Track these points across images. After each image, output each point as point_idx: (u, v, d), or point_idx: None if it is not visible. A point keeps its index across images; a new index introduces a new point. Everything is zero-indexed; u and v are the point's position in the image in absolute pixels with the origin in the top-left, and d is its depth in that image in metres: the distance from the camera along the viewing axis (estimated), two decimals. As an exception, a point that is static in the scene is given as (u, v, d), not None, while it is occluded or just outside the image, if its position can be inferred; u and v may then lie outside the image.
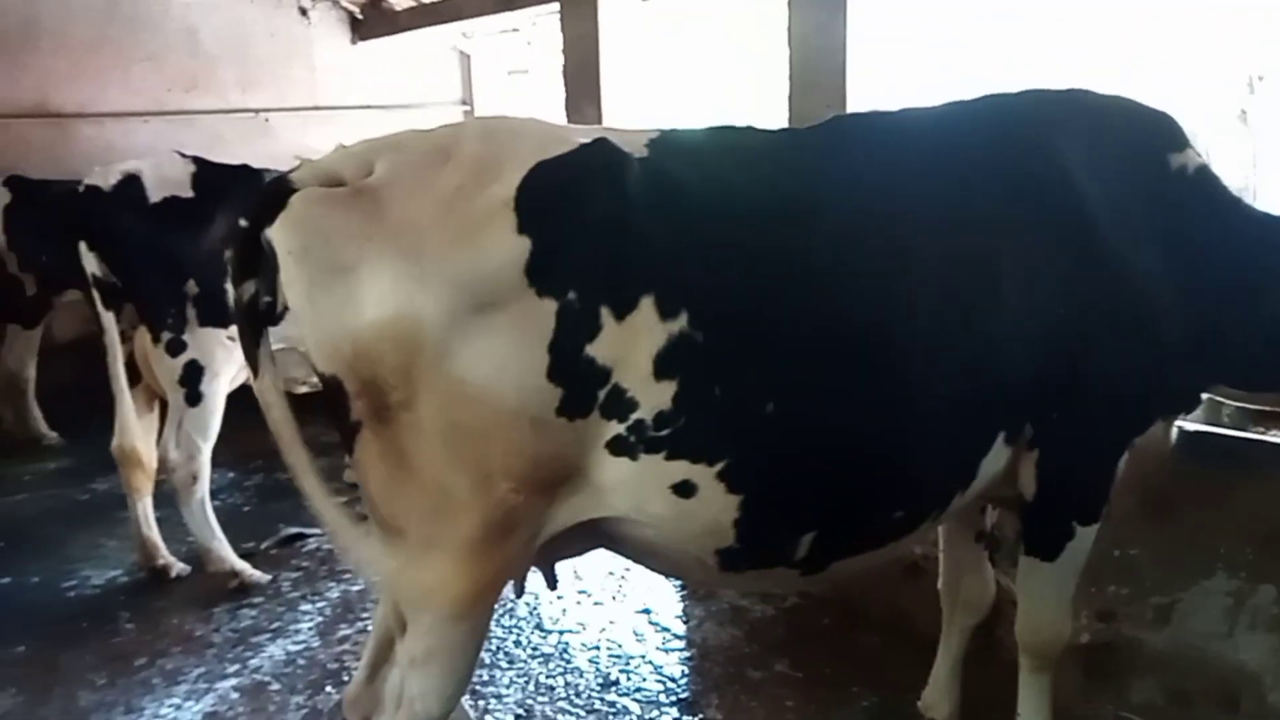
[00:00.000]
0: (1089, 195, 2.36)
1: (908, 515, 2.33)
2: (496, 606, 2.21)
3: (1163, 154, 2.51)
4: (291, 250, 1.95)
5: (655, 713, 3.41)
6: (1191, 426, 2.72)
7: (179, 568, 4.55)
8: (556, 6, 7.01)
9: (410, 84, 9.51)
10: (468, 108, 10.09)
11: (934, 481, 2.34)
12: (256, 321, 2.12)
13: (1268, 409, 2.99)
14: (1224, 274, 2.48)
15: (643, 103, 6.94)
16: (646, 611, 4.14)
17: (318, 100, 8.84)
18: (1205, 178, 2.53)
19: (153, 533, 4.56)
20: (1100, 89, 2.57)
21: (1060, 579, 2.62)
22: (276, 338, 4.57)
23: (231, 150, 7.12)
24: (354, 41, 9.16)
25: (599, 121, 6.46)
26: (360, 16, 9.09)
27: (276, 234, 1.97)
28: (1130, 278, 2.36)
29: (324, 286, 1.93)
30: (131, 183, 4.31)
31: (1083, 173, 2.37)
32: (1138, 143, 2.52)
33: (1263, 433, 3.26)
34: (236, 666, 3.77)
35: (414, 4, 8.90)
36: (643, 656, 3.79)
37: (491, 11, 7.95)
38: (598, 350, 1.96)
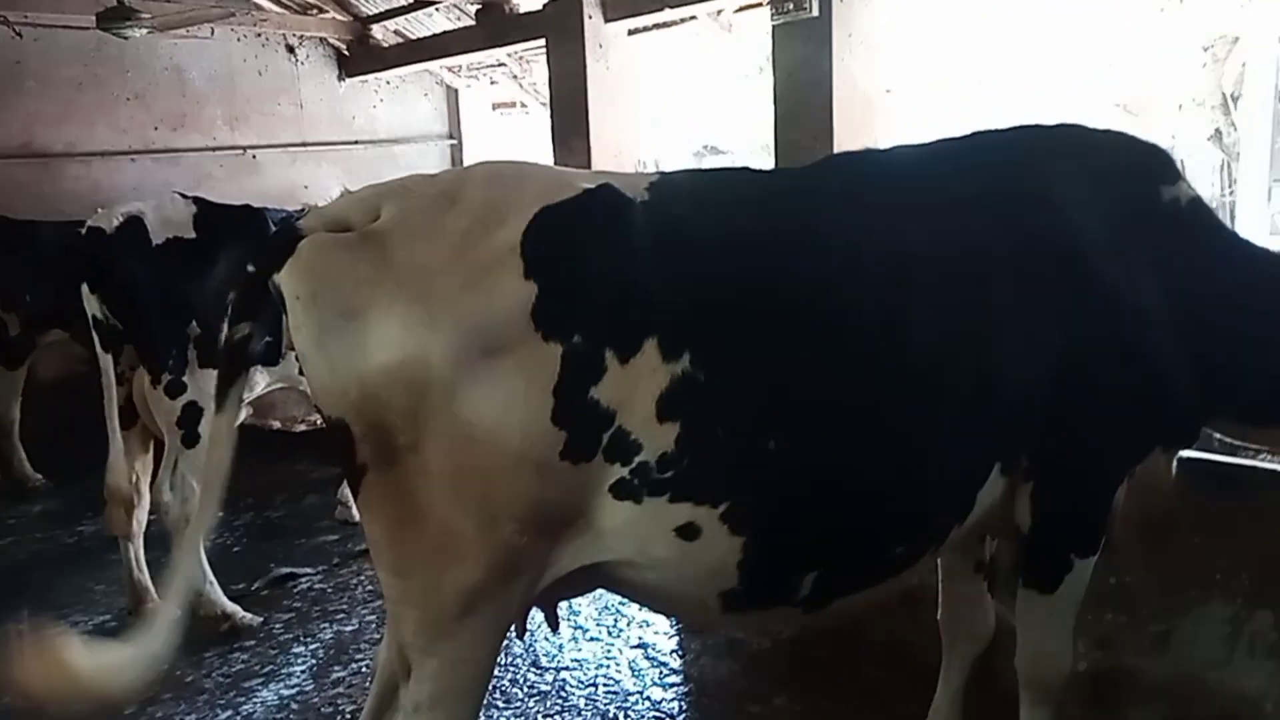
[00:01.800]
0: (1083, 229, 2.39)
1: (908, 550, 2.33)
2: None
3: (1155, 187, 2.54)
4: (300, 295, 1.96)
5: (655, 751, 3.38)
6: (1187, 453, 2.73)
7: (169, 611, 4.49)
8: (543, 42, 7.08)
9: (397, 119, 9.57)
10: (454, 142, 10.15)
11: (933, 515, 2.34)
12: (240, 362, 2.16)
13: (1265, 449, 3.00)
14: (1219, 306, 2.49)
15: (631, 135, 6.99)
16: (643, 646, 4.11)
17: (305, 137, 8.87)
18: (1198, 210, 2.56)
19: (143, 576, 4.51)
20: (1091, 123, 2.61)
21: (1059, 611, 2.62)
22: (276, 376, 4.60)
23: (220, 188, 7.15)
24: (341, 78, 9.21)
25: (586, 153, 6.51)
26: (347, 53, 9.15)
27: (285, 279, 1.97)
28: (1125, 310, 2.38)
29: (333, 331, 1.93)
30: (134, 224, 4.30)
31: (1076, 207, 2.40)
32: (1130, 176, 2.55)
33: (1255, 457, 3.27)
34: (229, 713, 3.72)
35: (400, 40, 8.98)
36: (640, 692, 3.76)
37: (478, 48, 8.03)
38: (602, 393, 1.97)
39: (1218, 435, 3.08)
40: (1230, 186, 13.11)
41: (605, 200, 2.09)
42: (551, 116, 7.02)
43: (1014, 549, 2.69)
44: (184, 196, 4.55)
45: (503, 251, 1.94)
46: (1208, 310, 2.48)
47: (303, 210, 4.02)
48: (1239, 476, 3.03)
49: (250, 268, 2.07)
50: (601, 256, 2.01)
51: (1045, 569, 2.59)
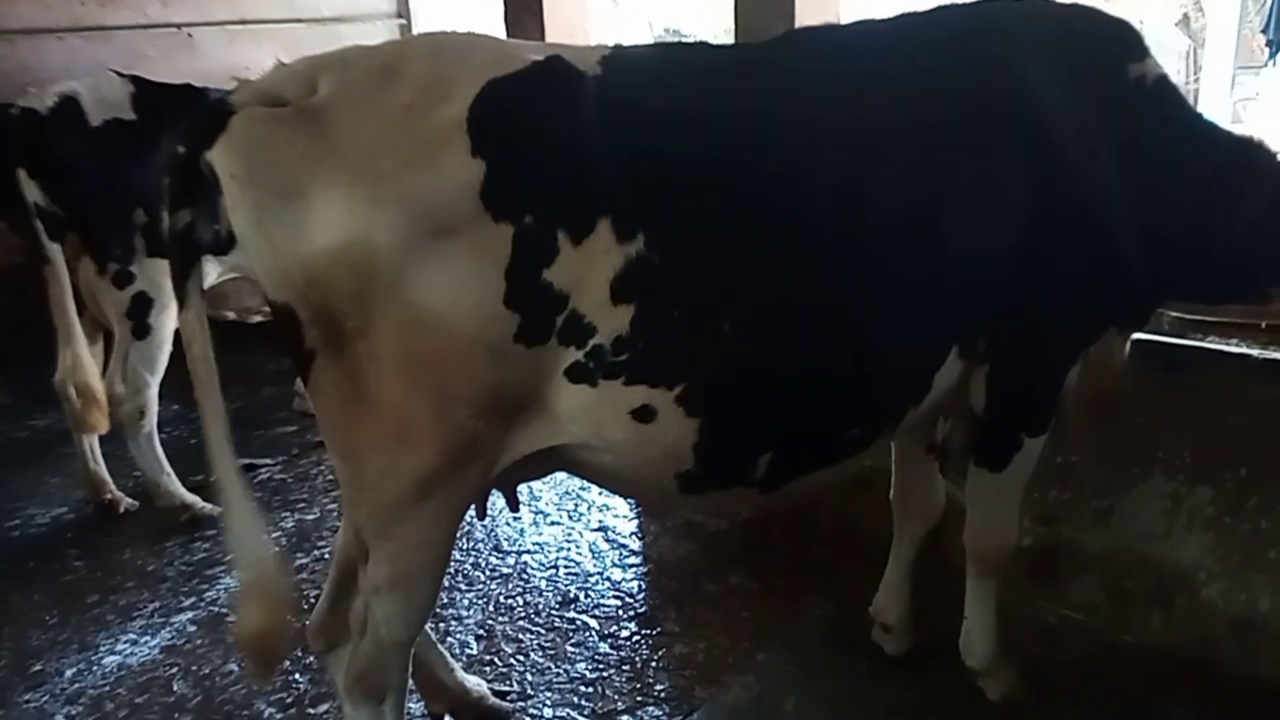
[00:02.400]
0: (1047, 106, 2.34)
1: (864, 431, 2.36)
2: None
3: (1122, 63, 2.49)
4: (235, 174, 1.87)
5: (614, 628, 3.47)
6: (1136, 335, 2.77)
7: (127, 503, 4.49)
8: (493, -88, 6.72)
9: (342, -4, 9.11)
10: (403, 21, 9.71)
11: (889, 397, 2.36)
12: (189, 252, 2.06)
13: (1207, 319, 3.05)
14: (1180, 188, 2.48)
15: (585, 16, 6.73)
16: (603, 529, 4.19)
17: (243, 14, 8.42)
18: (1164, 88, 2.52)
19: (100, 468, 4.48)
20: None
21: (1008, 489, 2.69)
22: (227, 266, 4.46)
23: (154, 68, 6.77)
24: (281, -49, 8.72)
25: (540, 34, 6.27)
26: (286, -76, 8.64)
27: (218, 158, 1.89)
28: (1087, 190, 2.36)
29: (271, 211, 1.86)
30: (70, 105, 4.08)
31: (1041, 83, 2.35)
32: (1097, 52, 2.49)
33: (1201, 338, 3.33)
34: (192, 599, 3.76)
35: (343, -90, 8.49)
36: (600, 573, 3.85)
37: (425, -82, 7.60)
38: (555, 275, 1.93)
39: (1170, 315, 3.14)
40: (1196, 73, 13.06)
41: (556, 73, 2.01)
42: (504, -7, 6.72)
43: (966, 429, 2.73)
44: (120, 75, 4.31)
45: (449, 127, 1.87)
46: (1167, 190, 2.47)
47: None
48: (1184, 357, 3.09)
49: (180, 148, 1.97)
50: (552, 132, 1.94)
51: (996, 448, 2.64)
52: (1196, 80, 12.90)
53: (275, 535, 4.23)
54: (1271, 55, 12.57)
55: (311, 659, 3.22)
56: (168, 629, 3.57)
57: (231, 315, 4.65)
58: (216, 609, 3.69)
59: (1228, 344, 3.05)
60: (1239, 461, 3.00)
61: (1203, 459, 3.07)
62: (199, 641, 3.48)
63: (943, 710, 2.94)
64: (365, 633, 2.25)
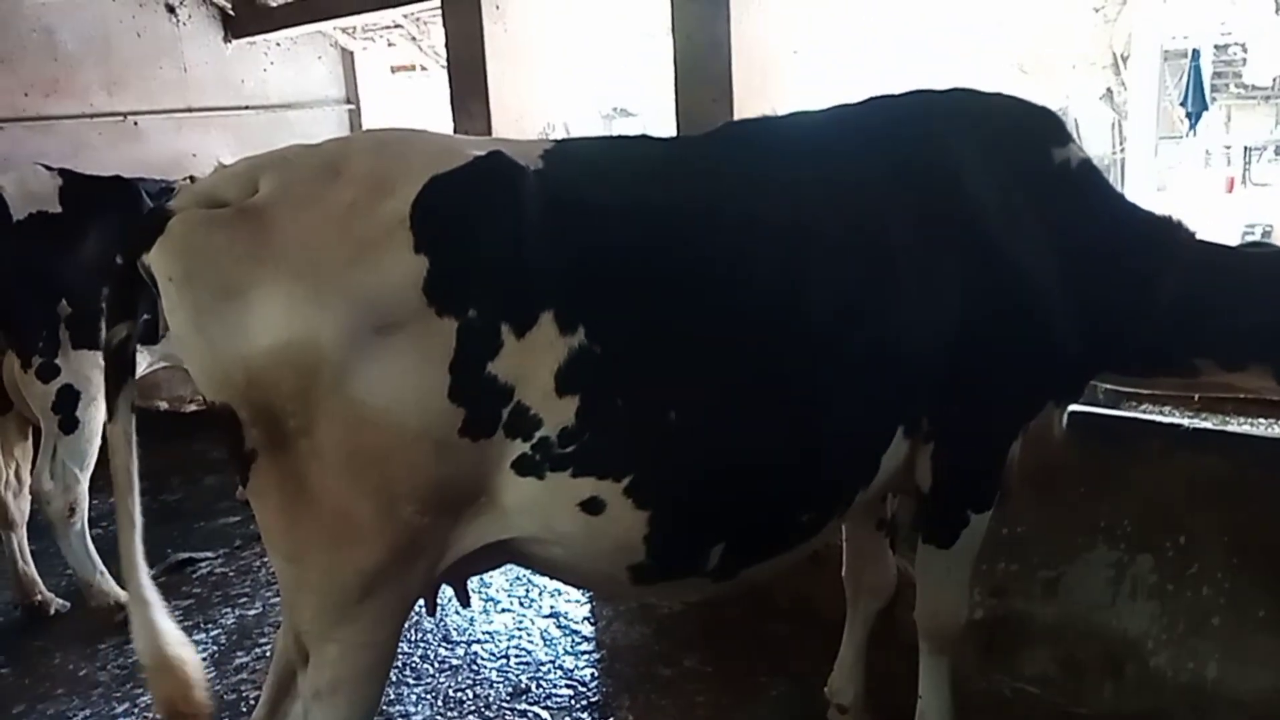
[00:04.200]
0: (977, 191, 2.42)
1: (814, 516, 2.37)
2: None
3: (1046, 149, 2.58)
4: (173, 276, 1.86)
5: (567, 718, 3.39)
6: (1074, 407, 2.84)
7: (58, 604, 4.33)
8: (438, 1, 6.86)
9: (290, 83, 9.17)
10: (351, 106, 9.80)
11: (838, 481, 2.38)
12: (124, 365, 2.04)
13: (1141, 391, 3.13)
14: (1108, 266, 2.56)
15: (533, 99, 6.84)
16: (555, 616, 4.12)
17: (190, 102, 8.44)
18: (1087, 171, 2.62)
19: (29, 568, 4.32)
20: (983, 86, 2.65)
21: (957, 565, 2.70)
22: (158, 356, 4.38)
23: (99, 157, 6.76)
24: (227, 39, 8.77)
25: (487, 117, 6.35)
26: (233, 13, 8.72)
27: (155, 260, 1.87)
28: (1019, 271, 2.43)
29: (211, 312, 1.84)
30: None
31: (970, 169, 2.44)
32: (1022, 138, 2.59)
33: (1135, 408, 3.42)
34: (126, 705, 3.60)
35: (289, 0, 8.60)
36: (553, 662, 3.77)
37: (372, 8, 7.72)
38: (499, 368, 1.93)
39: (1103, 387, 3.22)
40: (1121, 144, 13.64)
41: (497, 168, 2.03)
42: (450, 80, 6.83)
43: (914, 506, 2.76)
44: (48, 168, 4.28)
45: (392, 224, 1.88)
46: (1095, 269, 2.55)
47: (180, 181, 3.82)
48: (1119, 428, 3.16)
49: (119, 259, 1.96)
50: (494, 227, 1.96)
51: (943, 525, 2.66)
52: (1122, 150, 13.46)
53: (215, 634, 4.10)
54: (1192, 126, 13.21)
55: (252, 764, 3.09)
56: (99, 738, 3.41)
57: (164, 405, 4.55)
58: (152, 716, 3.53)
59: (1160, 414, 3.13)
60: (1177, 529, 3.05)
61: (1143, 528, 3.12)
62: (131, 750, 3.33)
63: (902, 792, 2.91)
64: (305, 740, 2.17)
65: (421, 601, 2.26)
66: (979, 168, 2.46)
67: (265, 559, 4.72)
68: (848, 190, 2.35)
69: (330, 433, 1.87)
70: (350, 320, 1.83)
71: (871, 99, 2.60)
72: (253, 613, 4.27)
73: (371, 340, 1.84)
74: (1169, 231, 2.65)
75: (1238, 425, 3.01)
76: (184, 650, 2.12)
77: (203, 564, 4.77)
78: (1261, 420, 3.02)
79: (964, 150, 2.48)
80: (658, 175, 2.27)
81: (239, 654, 3.92)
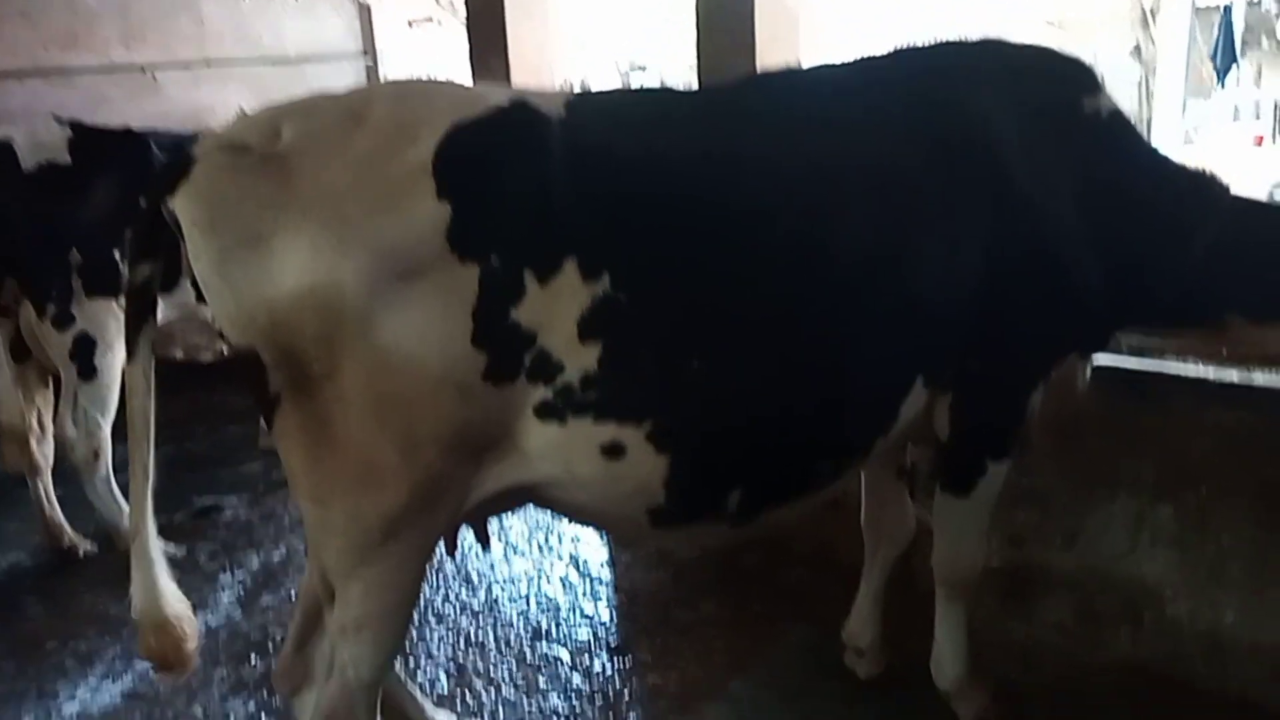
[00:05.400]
0: (1006, 141, 2.39)
1: (833, 463, 2.38)
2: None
3: (1076, 99, 2.54)
4: (197, 222, 1.88)
5: (586, 660, 3.44)
6: (1098, 358, 2.82)
7: (86, 547, 4.41)
8: (456, -49, 6.78)
9: (307, 37, 9.11)
10: (369, 60, 9.74)
11: (858, 428, 2.38)
12: (145, 305, 2.07)
13: (1166, 346, 3.11)
14: (1137, 217, 2.53)
15: (552, 53, 6.77)
16: (574, 561, 4.17)
17: (208, 55, 8.40)
18: (1118, 122, 2.58)
19: (56, 513, 4.40)
20: (1012, 38, 2.60)
21: (974, 513, 2.71)
22: (172, 306, 4.42)
23: (118, 110, 6.75)
24: (244, -9, 8.73)
25: (506, 73, 6.30)
26: (249, -36, 8.66)
27: (180, 206, 1.89)
28: (1046, 221, 2.40)
29: (236, 258, 1.86)
30: (3, 151, 4.07)
31: (999, 119, 2.40)
32: (1052, 88, 2.55)
33: (1160, 359, 3.38)
34: (155, 644, 3.67)
35: (306, -50, 8.52)
36: (572, 605, 3.82)
37: (388, -43, 7.65)
38: (522, 314, 1.94)
39: (1127, 341, 3.19)
40: (1148, 100, 13.41)
41: (521, 117, 2.03)
42: (469, 34, 6.76)
43: (933, 455, 2.76)
44: (59, 120, 4.31)
45: (414, 171, 1.88)
46: (1122, 221, 2.52)
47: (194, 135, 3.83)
48: (1144, 380, 3.14)
49: (142, 201, 1.97)
50: (518, 175, 1.96)
51: (962, 474, 2.66)
52: (1150, 107, 13.23)
53: (240, 576, 4.17)
54: (1220, 80, 12.95)
55: (278, 702, 3.17)
56: (129, 675, 3.49)
57: (180, 355, 4.59)
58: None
59: (1186, 368, 3.10)
60: (1200, 480, 3.04)
61: (1165, 479, 3.11)
62: (162, 687, 3.40)
63: (916, 733, 2.94)
64: (331, 675, 2.21)
65: (442, 543, 2.30)
66: (1008, 116, 2.43)
67: (289, 505, 4.79)
68: (873, 138, 2.33)
69: (354, 377, 1.89)
70: (373, 266, 1.84)
71: (898, 50, 2.55)
72: (277, 557, 4.34)
73: (395, 286, 1.86)
74: (1200, 184, 2.61)
75: (1264, 379, 2.97)
76: (181, 607, 2.20)
77: (227, 509, 4.84)
78: (1287, 374, 2.98)
79: (993, 98, 2.44)
80: (682, 125, 2.26)
81: (265, 595, 3.99)
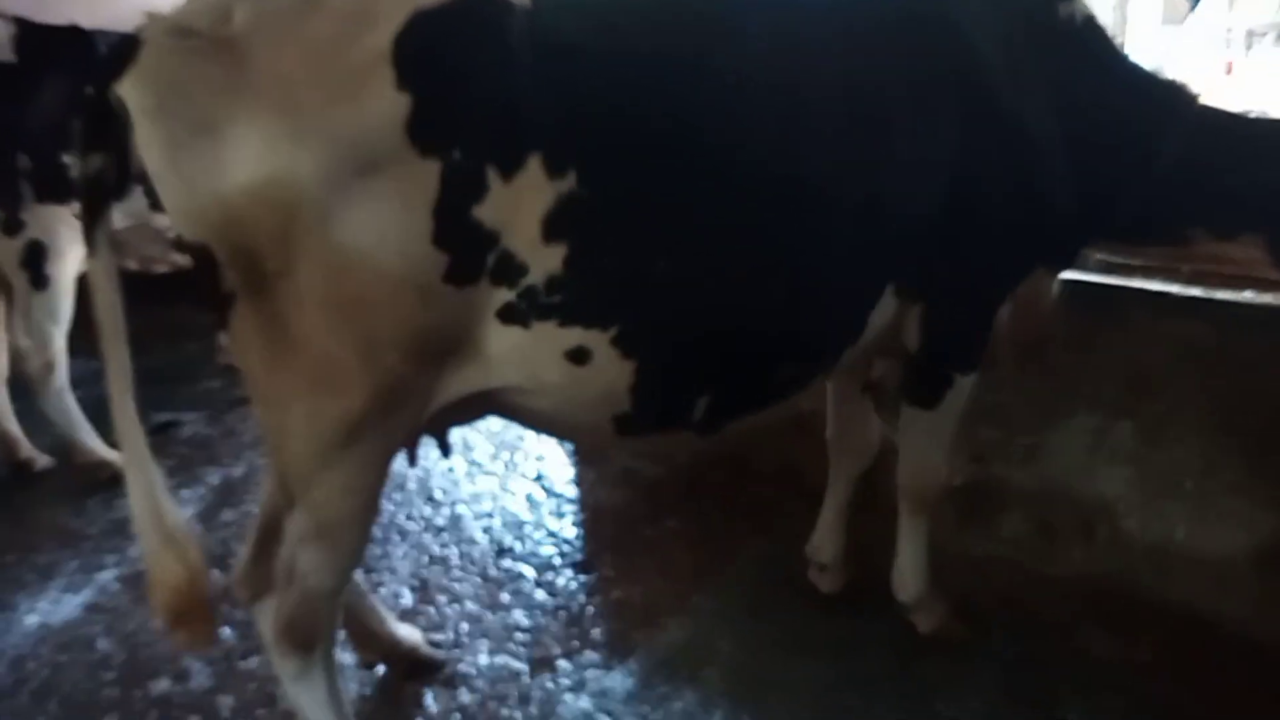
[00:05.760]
0: (979, 45, 2.34)
1: (801, 371, 2.36)
2: (387, 481, 2.18)
3: (1053, 4, 2.50)
4: (146, 108, 1.78)
5: (550, 575, 3.47)
6: (1064, 273, 2.82)
7: (44, 461, 4.34)
8: None
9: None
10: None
11: (826, 336, 2.37)
12: (100, 197, 1.97)
13: (1131, 262, 3.11)
14: (1107, 127, 2.51)
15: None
16: (539, 478, 4.17)
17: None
18: (1092, 29, 2.54)
19: (12, 426, 4.31)
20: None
21: (939, 427, 2.73)
22: (124, 213, 4.28)
23: (64, 7, 6.43)
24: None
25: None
26: None
27: (128, 91, 1.79)
28: (1016, 131, 2.37)
29: (186, 147, 1.77)
30: None
31: (971, 21, 2.35)
32: None
33: (1123, 276, 3.39)
34: (115, 557, 3.64)
35: None
36: (536, 522, 3.83)
37: None
38: (485, 213, 1.87)
39: (1094, 256, 3.19)
40: (1123, 26, 13.29)
41: (485, 5, 1.93)
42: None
43: (901, 368, 2.76)
44: (2, 16, 4.08)
45: (373, 59, 1.79)
46: (1095, 130, 2.50)
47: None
48: (1107, 295, 3.15)
49: (89, 89, 1.87)
50: (481, 66, 1.87)
51: (929, 386, 2.67)
52: (1124, 34, 13.13)
53: (200, 491, 4.13)
54: (1193, 7, 12.86)
55: (239, 613, 3.16)
56: (90, 587, 3.46)
57: (134, 265, 4.46)
58: (141, 566, 3.53)
59: (1149, 282, 3.11)
60: (1158, 395, 3.08)
61: (1124, 394, 3.15)
62: (123, 599, 3.39)
63: (875, 644, 3.00)
64: (292, 582, 2.20)
65: (403, 453, 2.27)
66: (980, 20, 2.38)
67: (249, 421, 4.73)
68: (844, 41, 2.27)
69: (310, 277, 1.83)
70: (330, 159, 1.76)
71: None
72: (238, 472, 4.30)
73: (352, 181, 1.78)
74: (1171, 94, 2.59)
75: (1223, 295, 2.99)
76: (191, 540, 2.08)
77: (186, 425, 4.78)
78: (1248, 292, 3.00)
79: (966, 3, 2.38)
80: (652, 21, 2.16)
81: (225, 511, 3.96)
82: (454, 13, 1.89)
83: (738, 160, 2.10)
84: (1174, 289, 3.03)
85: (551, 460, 4.30)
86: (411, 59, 1.80)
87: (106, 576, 3.52)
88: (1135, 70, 2.64)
